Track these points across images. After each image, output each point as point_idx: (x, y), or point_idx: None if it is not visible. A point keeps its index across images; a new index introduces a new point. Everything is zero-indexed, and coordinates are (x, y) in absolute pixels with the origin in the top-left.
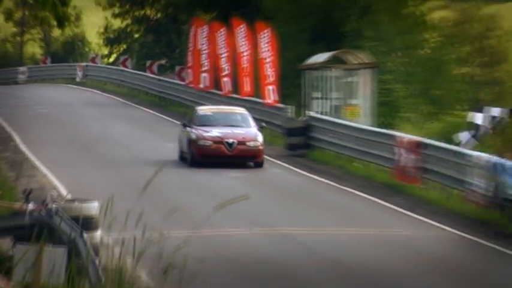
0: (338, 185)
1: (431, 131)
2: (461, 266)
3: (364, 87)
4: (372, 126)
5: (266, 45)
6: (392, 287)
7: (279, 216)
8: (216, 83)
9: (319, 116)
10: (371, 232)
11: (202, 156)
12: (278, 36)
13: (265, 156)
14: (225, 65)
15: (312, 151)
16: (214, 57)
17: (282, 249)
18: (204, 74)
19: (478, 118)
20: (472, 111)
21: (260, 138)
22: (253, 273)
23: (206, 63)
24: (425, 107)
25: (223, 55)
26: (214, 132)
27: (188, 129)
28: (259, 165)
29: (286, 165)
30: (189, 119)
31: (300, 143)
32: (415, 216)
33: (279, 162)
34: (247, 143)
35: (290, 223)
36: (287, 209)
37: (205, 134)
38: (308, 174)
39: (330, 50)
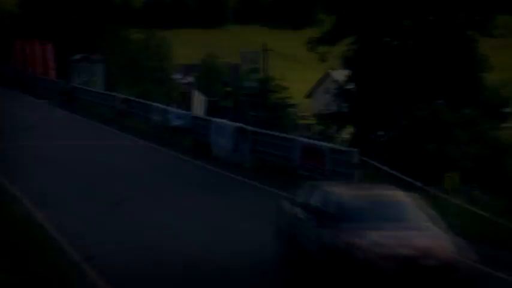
0: (86, 118)
1: (133, 93)
2: (145, 156)
3: (98, 71)
4: (103, 90)
5: (52, 53)
6: (112, 165)
7: (65, 135)
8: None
9: (76, 85)
10: (100, 143)
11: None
12: (56, 49)
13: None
14: (36, 61)
15: (74, 102)
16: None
17: (63, 152)
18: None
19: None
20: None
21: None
22: (52, 160)
23: (29, 61)
24: (131, 82)
25: (36, 57)
26: (384, 239)
27: (321, 228)
28: None
29: (58, 108)
30: (303, 199)
31: (68, 98)
32: (125, 134)
33: (58, 108)
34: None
35: (68, 138)
36: (67, 131)
37: (378, 249)
38: (70, 113)
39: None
